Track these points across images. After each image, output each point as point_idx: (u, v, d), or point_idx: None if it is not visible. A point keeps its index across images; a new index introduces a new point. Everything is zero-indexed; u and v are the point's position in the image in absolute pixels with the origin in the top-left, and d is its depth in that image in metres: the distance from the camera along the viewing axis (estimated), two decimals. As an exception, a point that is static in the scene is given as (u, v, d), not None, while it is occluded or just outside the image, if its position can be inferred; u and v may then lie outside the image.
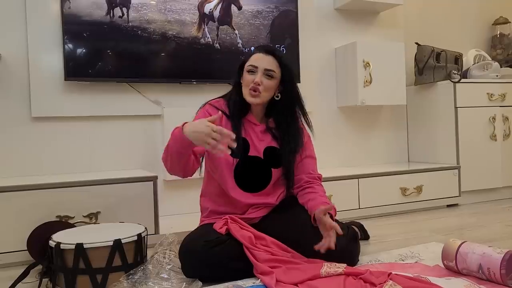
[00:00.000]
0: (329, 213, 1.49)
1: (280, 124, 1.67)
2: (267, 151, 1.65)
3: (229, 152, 1.34)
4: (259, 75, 1.58)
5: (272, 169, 1.65)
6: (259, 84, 1.58)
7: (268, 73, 1.60)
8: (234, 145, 1.33)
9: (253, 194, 1.64)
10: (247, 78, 1.60)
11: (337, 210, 2.30)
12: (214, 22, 2.39)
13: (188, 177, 1.57)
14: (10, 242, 1.75)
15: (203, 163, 1.66)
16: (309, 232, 1.53)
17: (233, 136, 1.33)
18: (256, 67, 1.59)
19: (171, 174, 1.54)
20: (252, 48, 2.45)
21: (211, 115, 1.61)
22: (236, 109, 1.65)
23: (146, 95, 2.32)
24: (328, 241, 1.40)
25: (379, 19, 3.00)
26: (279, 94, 1.65)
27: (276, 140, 1.67)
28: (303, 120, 1.71)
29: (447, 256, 1.44)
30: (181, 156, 1.45)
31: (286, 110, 1.66)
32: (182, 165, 1.49)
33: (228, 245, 1.44)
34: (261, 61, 1.60)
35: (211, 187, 1.68)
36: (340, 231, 1.40)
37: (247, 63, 1.62)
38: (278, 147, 1.66)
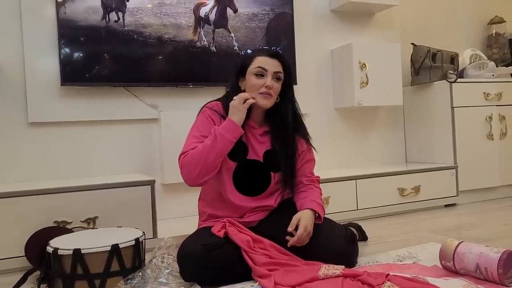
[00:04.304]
0: (317, 212, 1.56)
1: (279, 128, 1.65)
2: (267, 154, 1.65)
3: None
4: (270, 78, 1.58)
5: (272, 173, 1.64)
6: (270, 88, 1.57)
7: (277, 76, 1.60)
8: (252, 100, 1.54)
9: (252, 198, 1.63)
10: (254, 81, 1.58)
11: (335, 212, 2.33)
12: (210, 25, 2.40)
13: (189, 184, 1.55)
14: (8, 248, 1.74)
15: None
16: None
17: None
18: (266, 70, 1.58)
19: (189, 181, 1.52)
20: (249, 51, 2.46)
21: (213, 120, 1.61)
22: None
23: (143, 99, 2.32)
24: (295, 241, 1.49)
25: (375, 20, 3.01)
26: (278, 97, 1.64)
27: (275, 143, 1.65)
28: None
29: (445, 256, 1.44)
30: (223, 154, 1.51)
31: (286, 112, 1.65)
32: (215, 165, 1.51)
33: (226, 249, 1.43)
34: (270, 64, 1.59)
35: (210, 191, 1.67)
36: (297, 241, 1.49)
37: (253, 66, 1.59)
38: (277, 150, 1.64)
